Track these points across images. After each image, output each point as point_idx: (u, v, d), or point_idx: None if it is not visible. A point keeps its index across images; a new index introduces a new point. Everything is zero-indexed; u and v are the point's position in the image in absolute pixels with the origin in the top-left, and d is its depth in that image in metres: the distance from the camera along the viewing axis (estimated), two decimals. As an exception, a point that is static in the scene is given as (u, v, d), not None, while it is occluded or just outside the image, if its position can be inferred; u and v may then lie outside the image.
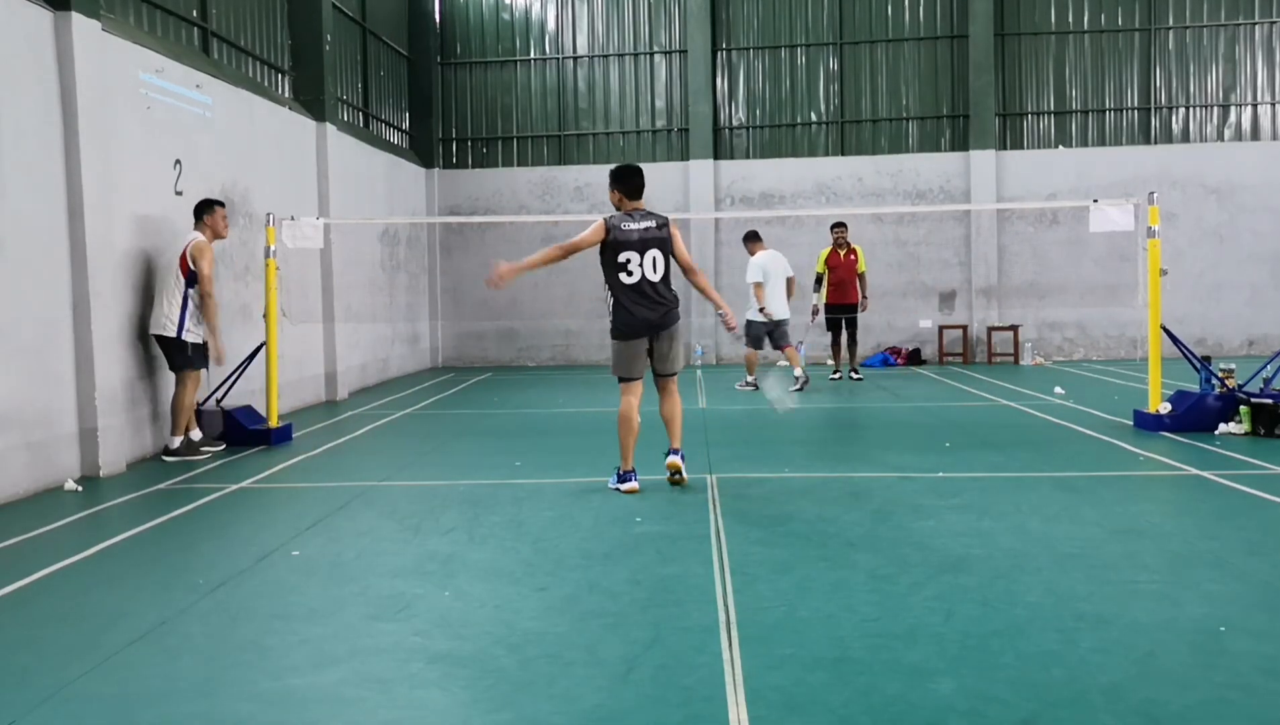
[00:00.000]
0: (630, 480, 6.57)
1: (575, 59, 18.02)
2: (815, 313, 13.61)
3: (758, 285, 12.23)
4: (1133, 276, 10.18)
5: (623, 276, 6.49)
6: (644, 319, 6.52)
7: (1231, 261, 16.57)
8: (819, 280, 13.50)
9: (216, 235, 8.44)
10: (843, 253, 13.27)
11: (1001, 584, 4.33)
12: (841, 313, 13.44)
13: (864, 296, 13.37)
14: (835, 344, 13.72)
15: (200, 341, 8.26)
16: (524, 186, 17.90)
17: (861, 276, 13.32)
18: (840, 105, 17.55)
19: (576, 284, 17.59)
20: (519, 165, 18.11)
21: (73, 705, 3.27)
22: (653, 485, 6.69)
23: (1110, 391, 11.79)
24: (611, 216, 6.59)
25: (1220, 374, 8.68)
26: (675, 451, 6.67)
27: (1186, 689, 3.19)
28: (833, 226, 13.37)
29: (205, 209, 8.42)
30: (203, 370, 8.38)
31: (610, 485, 6.65)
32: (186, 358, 8.20)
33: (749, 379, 12.81)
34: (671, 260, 6.63)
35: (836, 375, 13.77)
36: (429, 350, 17.71)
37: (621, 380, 6.68)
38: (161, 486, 7.03)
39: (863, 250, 13.62)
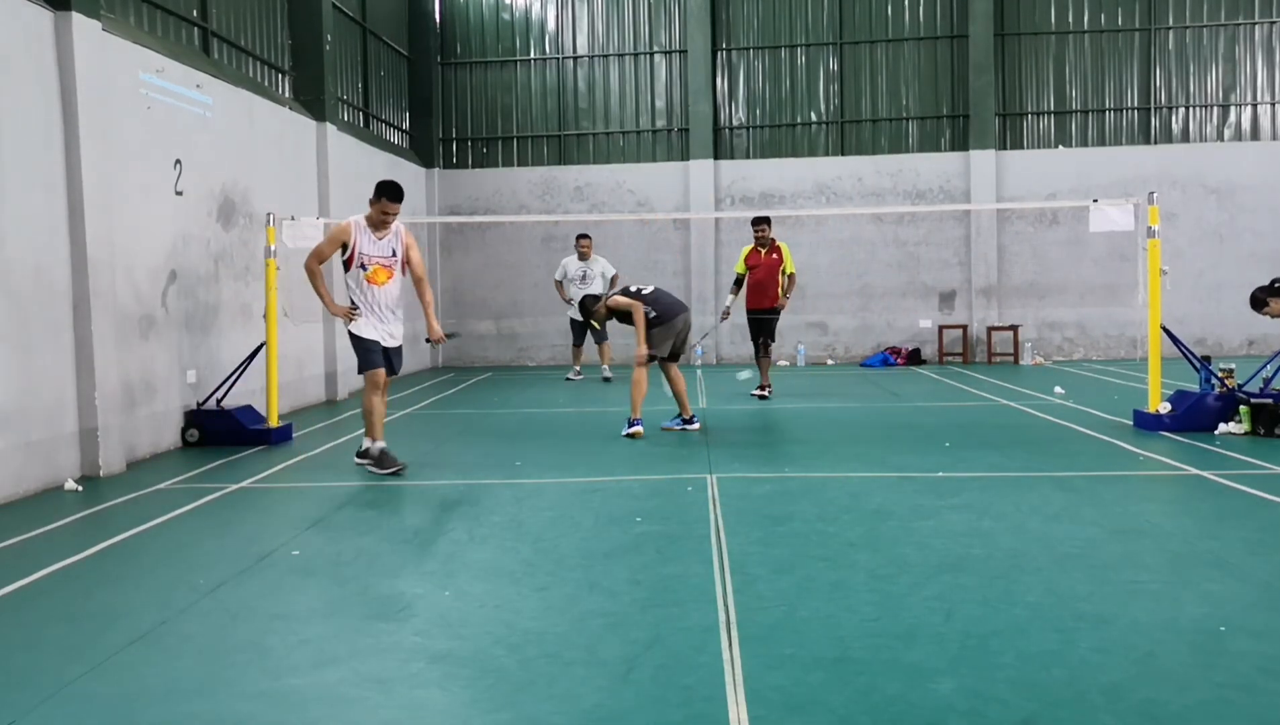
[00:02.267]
0: (636, 426, 8.78)
1: (575, 59, 18.01)
2: (725, 315, 12.28)
3: (558, 283, 14.65)
4: (1133, 276, 10.17)
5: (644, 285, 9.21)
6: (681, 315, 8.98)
7: (1231, 261, 16.55)
8: (738, 281, 11.99)
9: (370, 224, 7.47)
10: (763, 252, 11.69)
11: (1001, 584, 4.33)
12: (759, 315, 11.81)
13: (784, 296, 11.72)
14: (757, 353, 11.95)
15: (377, 338, 7.66)
16: (524, 186, 17.90)
17: (791, 277, 11.77)
18: (840, 105, 17.54)
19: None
20: (519, 165, 18.10)
21: (73, 705, 3.27)
22: (653, 485, 6.71)
23: (1110, 391, 11.78)
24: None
25: (1220, 374, 8.69)
26: (691, 419, 9.12)
27: (1186, 689, 3.19)
28: (754, 222, 11.68)
29: (373, 194, 7.43)
30: (381, 371, 7.71)
31: (623, 433, 8.79)
32: (356, 355, 7.66)
33: (577, 370, 14.59)
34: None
35: (760, 391, 11.79)
36: (429, 350, 17.69)
37: (651, 359, 8.80)
38: (161, 486, 7.03)
39: (788, 248, 11.94)
